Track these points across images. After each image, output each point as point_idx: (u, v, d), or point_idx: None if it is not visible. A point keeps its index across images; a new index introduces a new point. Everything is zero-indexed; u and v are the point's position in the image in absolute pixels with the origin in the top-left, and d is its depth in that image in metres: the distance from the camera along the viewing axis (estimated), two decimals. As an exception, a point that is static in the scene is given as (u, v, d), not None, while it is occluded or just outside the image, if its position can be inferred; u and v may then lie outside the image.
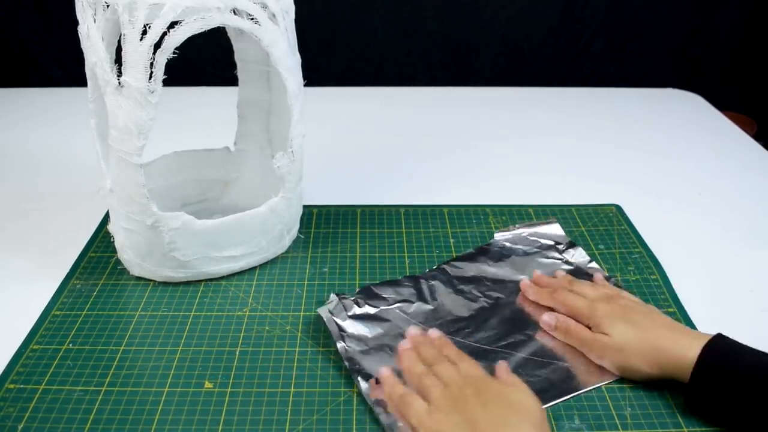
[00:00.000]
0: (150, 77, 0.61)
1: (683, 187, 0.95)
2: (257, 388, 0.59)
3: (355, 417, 0.56)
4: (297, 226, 0.79)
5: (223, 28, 0.65)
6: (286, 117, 0.71)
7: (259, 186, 0.81)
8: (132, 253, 0.70)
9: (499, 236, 0.78)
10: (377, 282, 0.70)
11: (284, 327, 0.66)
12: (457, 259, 0.75)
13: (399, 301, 0.68)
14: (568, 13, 1.82)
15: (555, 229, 0.79)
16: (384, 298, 0.68)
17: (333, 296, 0.67)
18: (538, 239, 0.78)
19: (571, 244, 0.77)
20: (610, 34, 1.85)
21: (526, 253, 0.76)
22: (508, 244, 0.77)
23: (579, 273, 0.73)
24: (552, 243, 0.78)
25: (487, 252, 0.76)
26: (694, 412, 0.56)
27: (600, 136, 1.10)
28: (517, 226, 0.79)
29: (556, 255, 0.76)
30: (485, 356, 0.62)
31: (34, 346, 0.63)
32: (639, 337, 0.58)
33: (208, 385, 0.59)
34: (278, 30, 0.66)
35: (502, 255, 0.75)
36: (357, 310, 0.66)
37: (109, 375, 0.60)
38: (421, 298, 0.69)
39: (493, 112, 1.19)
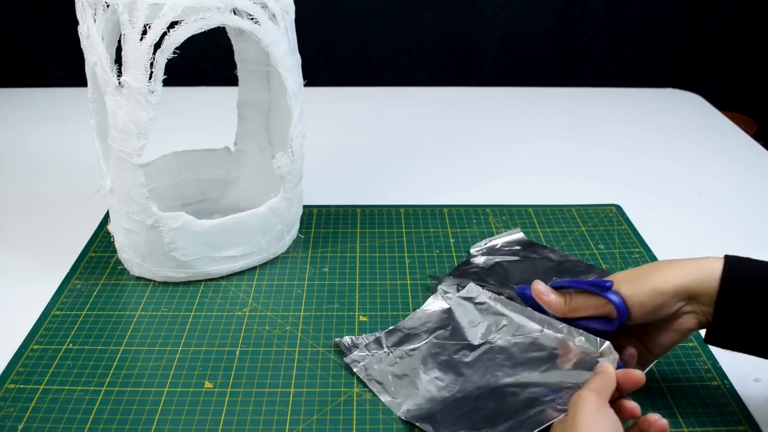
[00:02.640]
0: (150, 77, 0.61)
1: (683, 187, 0.95)
2: (257, 388, 0.59)
3: (355, 417, 0.56)
4: (297, 226, 0.79)
5: (223, 28, 0.65)
6: (286, 117, 0.71)
7: (259, 186, 0.81)
8: (132, 253, 0.70)
9: (474, 250, 0.78)
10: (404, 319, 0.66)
11: (284, 327, 0.66)
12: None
13: (432, 330, 0.64)
14: (568, 14, 1.82)
15: (519, 236, 0.80)
16: (416, 335, 0.64)
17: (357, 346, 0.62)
18: (510, 246, 0.78)
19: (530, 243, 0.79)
20: (610, 34, 1.86)
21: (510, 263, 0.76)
22: (488, 257, 0.76)
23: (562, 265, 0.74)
24: (519, 248, 0.78)
25: (473, 265, 0.75)
26: (718, 343, 0.54)
27: (600, 136, 1.10)
28: (488, 239, 0.79)
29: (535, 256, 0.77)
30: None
31: (34, 346, 0.63)
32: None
33: (208, 385, 0.59)
34: (278, 30, 0.66)
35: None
36: (389, 366, 0.61)
37: (109, 375, 0.60)
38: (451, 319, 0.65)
39: (493, 112, 1.19)
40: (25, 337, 0.64)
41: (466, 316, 0.64)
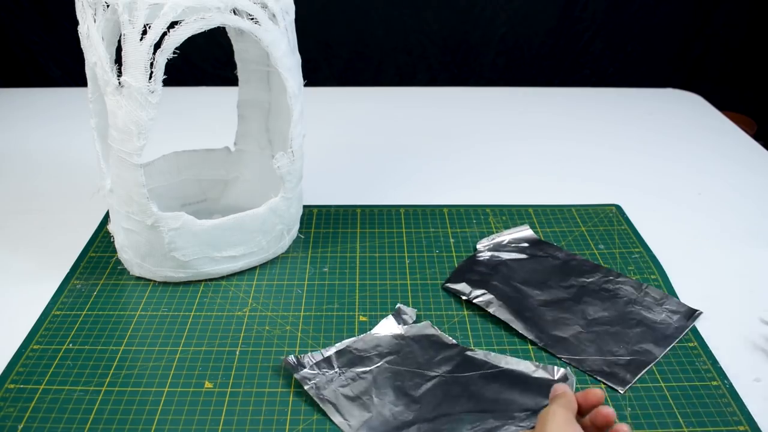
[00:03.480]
0: (150, 77, 0.61)
1: (683, 187, 0.95)
2: (257, 388, 0.59)
3: (355, 417, 0.56)
4: (297, 226, 0.79)
5: (223, 28, 0.65)
6: (286, 117, 0.71)
7: (259, 186, 0.81)
8: (132, 253, 0.70)
9: (481, 246, 0.78)
10: (355, 338, 0.64)
11: (284, 327, 0.66)
12: (450, 280, 0.73)
13: (384, 355, 0.63)
14: (568, 14, 1.82)
15: (527, 233, 0.80)
16: (368, 358, 0.62)
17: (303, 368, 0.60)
18: (518, 243, 0.78)
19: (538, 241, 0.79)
20: (610, 34, 1.86)
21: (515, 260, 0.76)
22: (494, 254, 0.77)
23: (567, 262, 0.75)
24: (527, 245, 0.78)
25: (478, 263, 0.75)
26: None
27: (600, 136, 1.10)
28: (495, 235, 0.79)
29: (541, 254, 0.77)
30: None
31: (34, 346, 0.63)
32: None
33: (208, 385, 0.59)
34: (278, 30, 0.66)
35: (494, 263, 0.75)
36: (341, 387, 0.59)
37: (109, 375, 0.60)
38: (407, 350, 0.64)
39: (493, 112, 1.19)
40: (25, 337, 0.64)
41: (420, 347, 0.64)
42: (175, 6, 0.60)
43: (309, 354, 0.62)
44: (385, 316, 0.67)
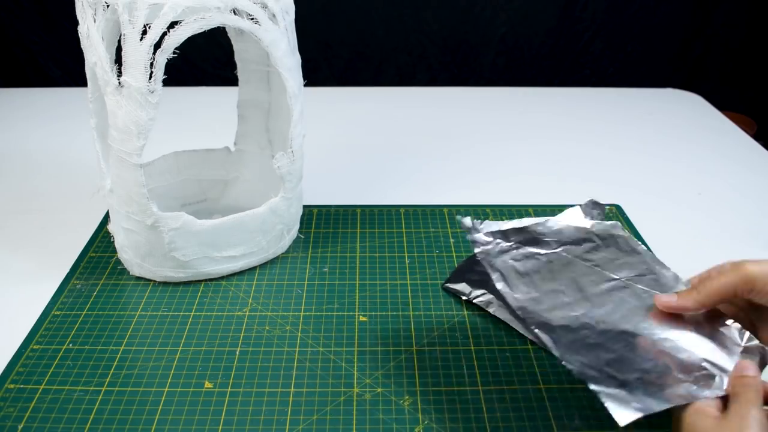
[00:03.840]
0: (150, 77, 0.61)
1: (683, 187, 0.95)
2: (257, 388, 0.59)
3: (355, 417, 0.56)
4: (297, 226, 0.79)
5: (223, 28, 0.65)
6: (286, 117, 0.71)
7: (259, 186, 0.81)
8: (132, 253, 0.70)
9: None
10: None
11: (284, 327, 0.66)
12: (450, 280, 0.71)
13: (564, 243, 0.58)
14: (568, 14, 1.82)
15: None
16: (546, 242, 0.57)
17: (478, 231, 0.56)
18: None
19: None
20: (610, 34, 1.86)
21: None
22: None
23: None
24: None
25: (478, 263, 0.73)
26: None
27: (600, 136, 1.10)
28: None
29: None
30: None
31: (34, 346, 0.63)
32: None
33: (208, 385, 0.59)
34: (278, 30, 0.66)
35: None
36: (513, 260, 0.55)
37: (109, 375, 0.60)
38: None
39: (493, 112, 1.19)
40: (25, 337, 0.64)
41: (605, 245, 0.58)
42: (175, 6, 0.60)
43: (486, 221, 0.58)
44: (386, 316, 0.67)
